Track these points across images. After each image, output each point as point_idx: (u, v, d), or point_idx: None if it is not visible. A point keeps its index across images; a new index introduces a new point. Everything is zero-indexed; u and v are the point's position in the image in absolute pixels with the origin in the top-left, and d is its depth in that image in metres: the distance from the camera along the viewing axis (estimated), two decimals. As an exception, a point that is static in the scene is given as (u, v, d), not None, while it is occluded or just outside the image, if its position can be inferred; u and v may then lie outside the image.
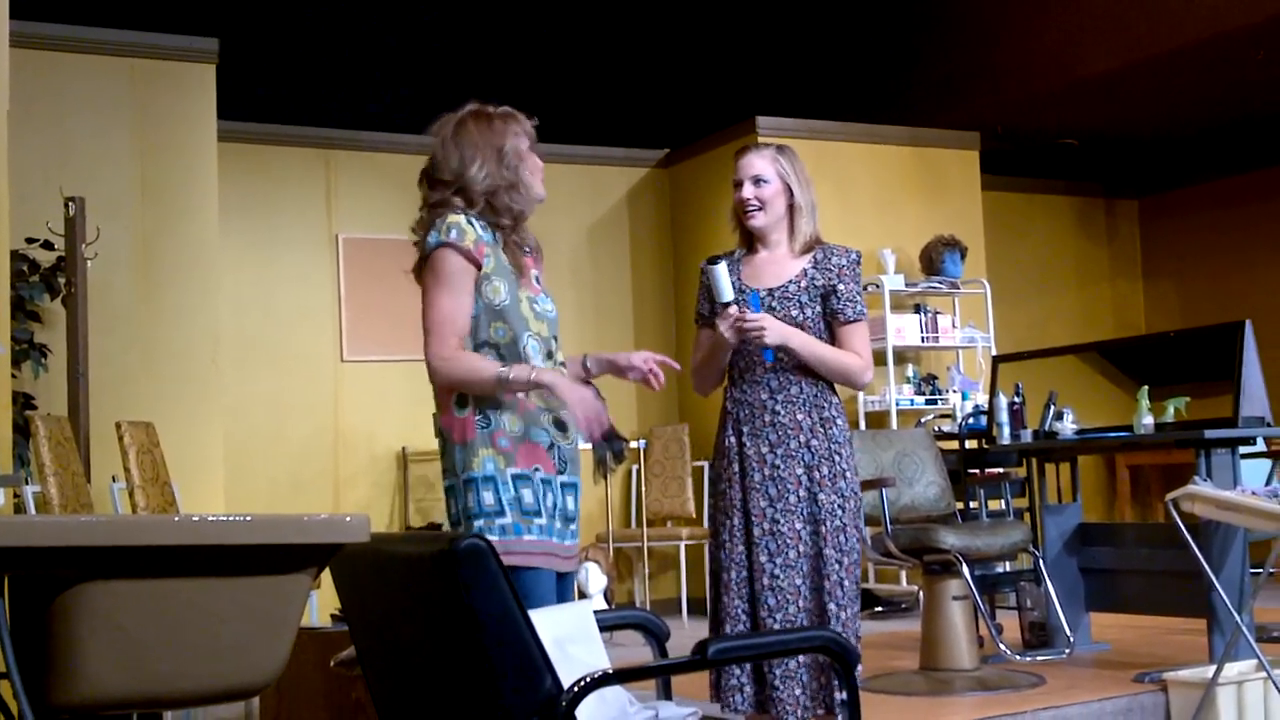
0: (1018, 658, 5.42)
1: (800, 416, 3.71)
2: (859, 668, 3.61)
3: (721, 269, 3.71)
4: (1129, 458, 10.14)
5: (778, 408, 3.72)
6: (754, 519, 3.70)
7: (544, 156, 3.36)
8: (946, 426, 7.67)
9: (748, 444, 3.74)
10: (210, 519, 2.11)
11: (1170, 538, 4.95)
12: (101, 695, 2.06)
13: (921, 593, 5.53)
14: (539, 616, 2.32)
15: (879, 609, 7.89)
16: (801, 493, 3.68)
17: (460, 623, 2.18)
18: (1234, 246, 10.63)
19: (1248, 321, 5.14)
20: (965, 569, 5.11)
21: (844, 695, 2.47)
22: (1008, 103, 8.86)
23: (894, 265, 8.66)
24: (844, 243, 3.88)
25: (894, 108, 9.15)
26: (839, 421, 3.75)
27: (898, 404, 8.42)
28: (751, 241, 3.88)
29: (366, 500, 8.28)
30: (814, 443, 3.70)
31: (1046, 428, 5.71)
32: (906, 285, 8.66)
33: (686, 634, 7.03)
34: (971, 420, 7.07)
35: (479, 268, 3.13)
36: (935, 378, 8.74)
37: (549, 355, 3.21)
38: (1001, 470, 6.81)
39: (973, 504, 6.44)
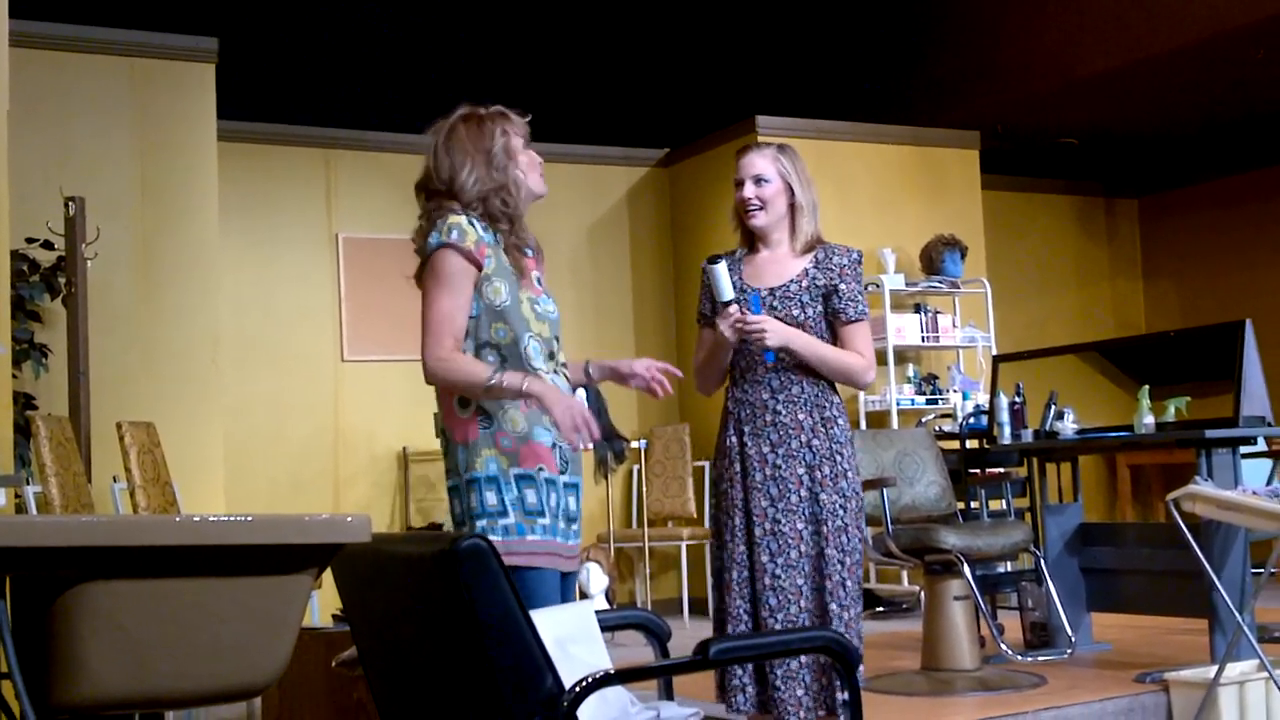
0: (1019, 658, 5.42)
1: (802, 416, 3.71)
2: (861, 668, 3.62)
3: (722, 268, 3.71)
4: (1130, 457, 10.14)
5: (779, 407, 3.72)
6: (755, 519, 3.69)
7: (544, 156, 3.35)
8: (947, 426, 7.67)
9: (749, 444, 3.74)
10: (211, 519, 2.11)
11: (1171, 538, 4.94)
12: (103, 695, 2.06)
13: (923, 593, 5.53)
14: (540, 616, 2.31)
15: (880, 609, 7.89)
16: (803, 492, 3.68)
17: (461, 623, 2.18)
18: (1234, 246, 10.63)
19: (1248, 321, 5.14)
20: (966, 569, 5.10)
21: (845, 695, 2.47)
22: (1008, 102, 8.85)
23: (894, 265, 8.65)
24: (844, 242, 3.88)
25: (894, 107, 9.15)
26: (840, 421, 3.75)
27: (898, 404, 8.42)
28: (753, 241, 3.88)
29: (367, 500, 8.27)
30: (815, 442, 3.70)
31: (1047, 427, 5.70)
32: (907, 285, 8.66)
33: (688, 634, 7.03)
34: (972, 420, 7.07)
35: (480, 268, 3.13)
36: (936, 377, 8.73)
37: (550, 356, 3.21)
38: (1002, 470, 6.80)
39: (974, 504, 6.44)
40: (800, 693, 3.58)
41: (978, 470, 6.68)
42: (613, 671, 2.25)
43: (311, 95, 8.38)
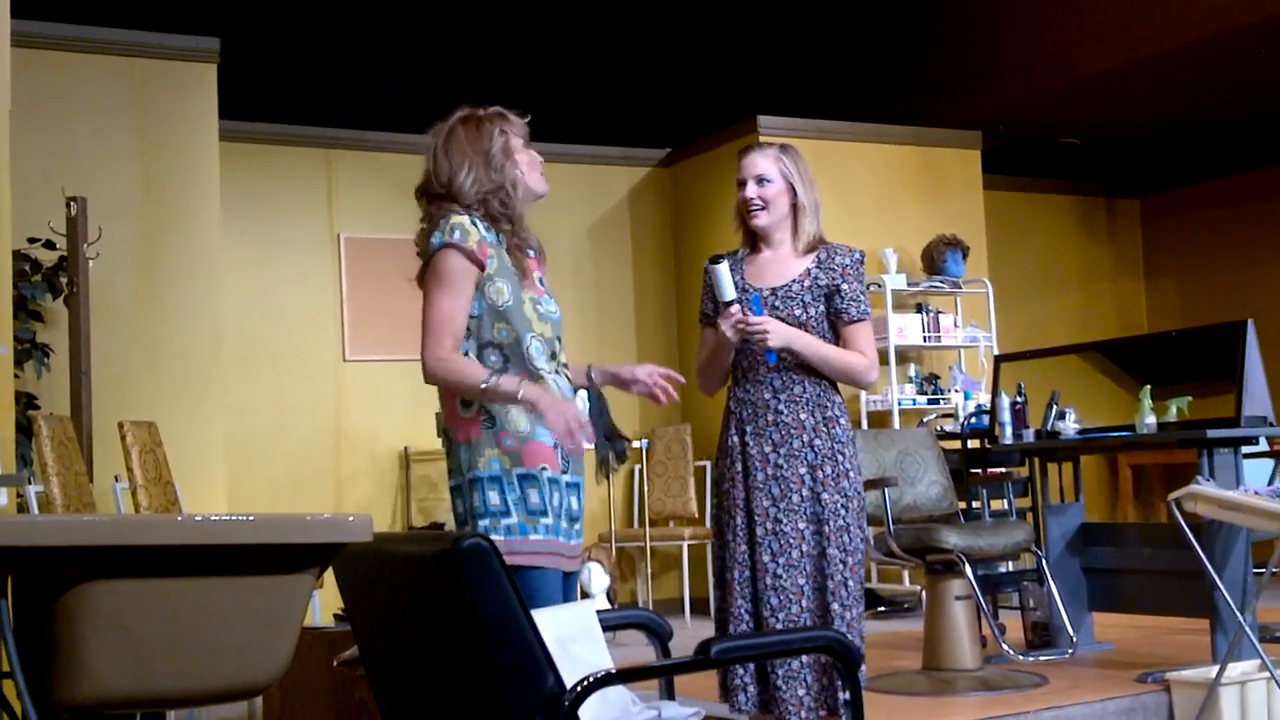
0: (1020, 658, 5.42)
1: (803, 416, 3.71)
2: (863, 668, 3.62)
3: (723, 268, 3.71)
4: (1131, 457, 10.14)
5: (781, 407, 3.72)
6: (757, 518, 3.69)
7: (545, 156, 3.36)
8: (949, 426, 7.67)
9: (751, 443, 3.74)
10: (213, 518, 2.11)
11: (1173, 537, 4.94)
12: (105, 694, 2.07)
13: (924, 593, 5.53)
14: (541, 616, 2.31)
15: (882, 609, 7.89)
16: (805, 492, 3.68)
17: (463, 622, 2.18)
18: (1236, 246, 10.63)
19: (1250, 321, 5.14)
20: (968, 569, 5.10)
21: (847, 695, 2.47)
22: (1009, 102, 8.85)
23: (896, 265, 8.65)
24: (846, 242, 3.88)
25: (895, 107, 9.14)
26: (842, 421, 3.75)
27: (900, 403, 8.42)
28: (755, 241, 3.88)
29: (368, 500, 8.28)
30: (817, 442, 3.70)
31: (1049, 427, 5.70)
32: (908, 285, 8.66)
33: (689, 634, 7.03)
34: (974, 420, 7.07)
35: (482, 269, 3.13)
36: (937, 377, 8.73)
37: (552, 356, 3.21)
38: (1004, 470, 6.80)
39: (975, 504, 6.44)
40: (801, 692, 3.58)
41: (979, 470, 6.68)
42: (614, 671, 2.25)
43: (313, 95, 8.39)
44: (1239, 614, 4.65)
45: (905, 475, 5.59)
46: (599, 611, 2.70)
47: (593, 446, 6.96)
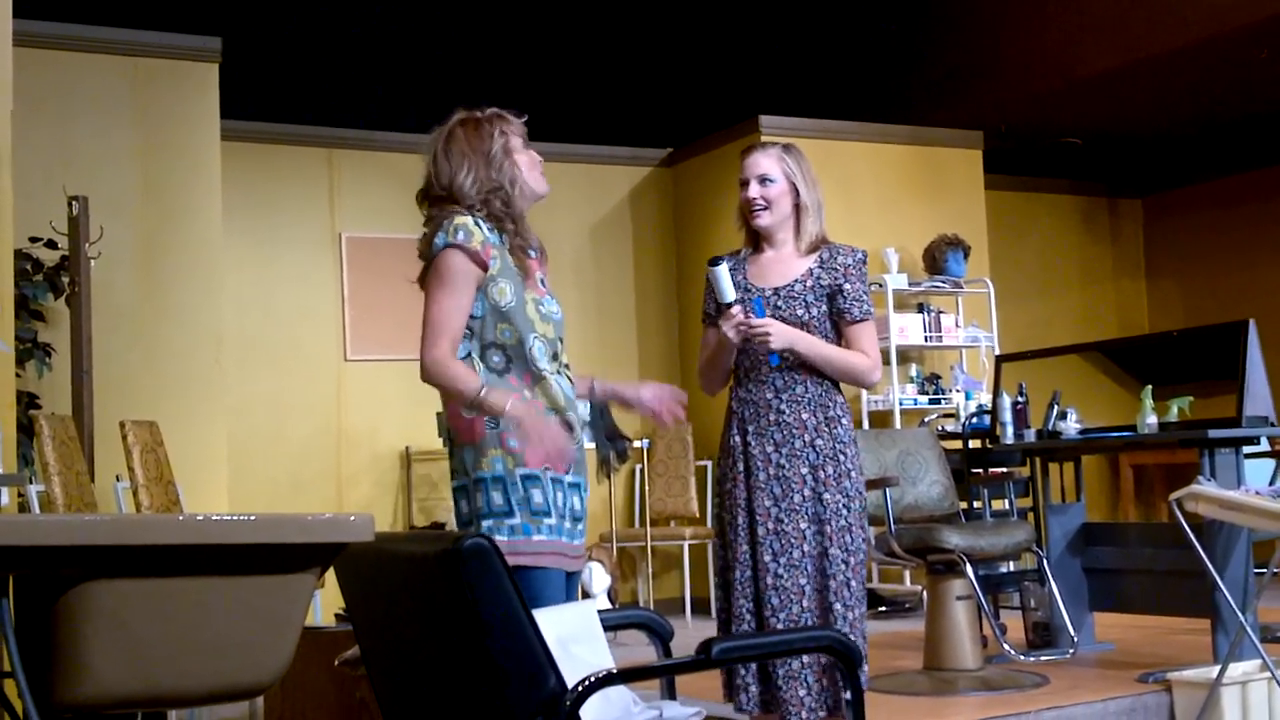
0: (1021, 657, 5.42)
1: (805, 416, 3.71)
2: (864, 667, 3.62)
3: (723, 270, 3.71)
4: (1132, 457, 10.14)
5: (783, 407, 3.72)
6: (759, 518, 3.69)
7: (547, 155, 3.36)
8: (950, 426, 7.66)
9: (753, 443, 3.74)
10: (214, 518, 2.11)
11: (1174, 538, 4.94)
12: (106, 694, 2.07)
13: (925, 592, 5.53)
14: (543, 616, 2.31)
15: (883, 609, 7.89)
16: (806, 492, 3.68)
17: (464, 622, 2.18)
18: (1238, 246, 10.62)
19: (1251, 321, 5.14)
20: (969, 569, 5.10)
21: (848, 695, 2.47)
22: (1010, 102, 8.85)
23: (897, 264, 8.65)
24: (847, 242, 3.88)
25: (897, 107, 9.14)
26: (844, 421, 3.75)
27: (901, 403, 8.41)
28: (758, 241, 3.87)
29: (369, 499, 8.28)
30: (819, 442, 3.70)
31: (1050, 427, 5.70)
32: (910, 284, 8.66)
33: (690, 633, 7.03)
34: (975, 420, 7.07)
35: (485, 269, 3.13)
36: (939, 377, 8.73)
37: (554, 356, 3.21)
38: (1005, 470, 6.80)
39: (976, 504, 6.44)
40: (802, 693, 3.58)
41: (980, 470, 6.68)
42: (615, 671, 2.25)
43: (314, 95, 8.39)
44: (1240, 614, 4.65)
45: (906, 475, 5.59)
46: (600, 611, 2.70)
47: (594, 446, 6.96)
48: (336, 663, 4.09)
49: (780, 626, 3.61)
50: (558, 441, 3.05)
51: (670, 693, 2.77)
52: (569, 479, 3.16)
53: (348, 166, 8.45)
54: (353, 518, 2.19)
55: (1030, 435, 5.77)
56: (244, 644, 2.15)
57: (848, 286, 3.75)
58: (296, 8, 7.29)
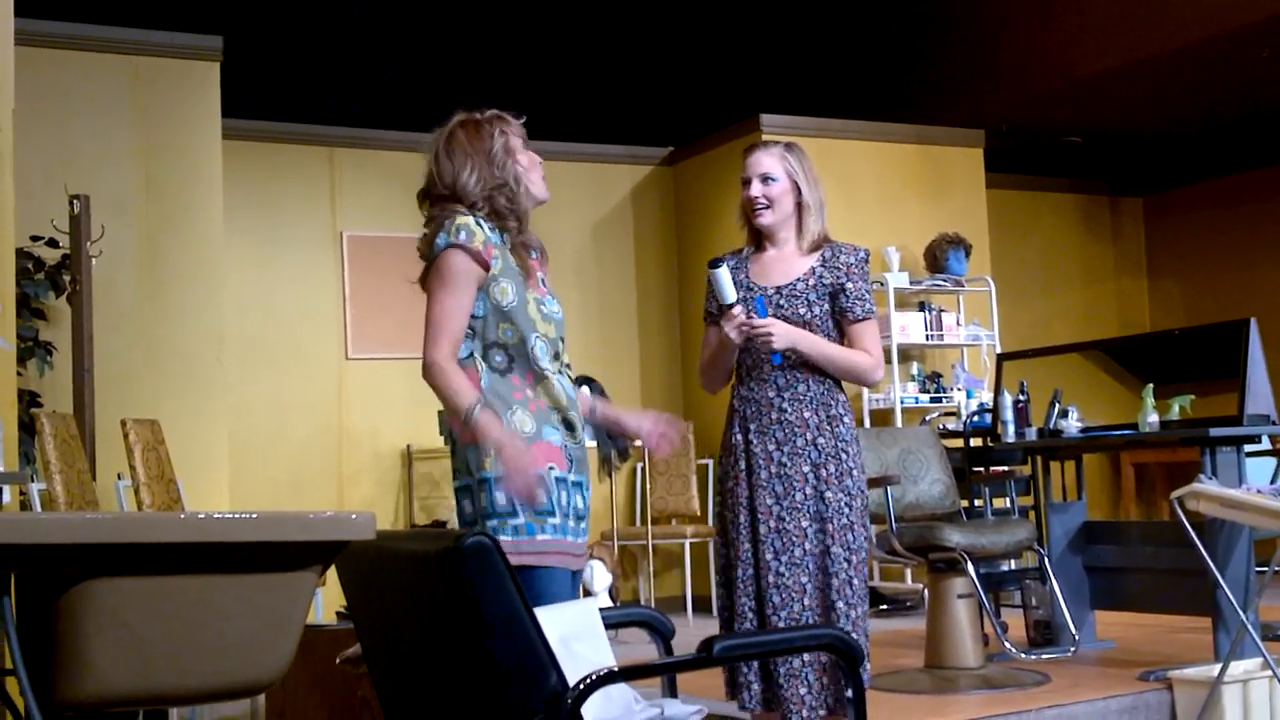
0: (1023, 656, 5.42)
1: (807, 414, 3.71)
2: (866, 666, 3.62)
3: (724, 272, 3.70)
4: (1134, 456, 10.13)
5: (785, 405, 3.72)
6: (760, 516, 3.69)
7: (548, 155, 3.37)
8: (951, 424, 7.66)
9: (754, 441, 3.74)
10: (216, 516, 2.11)
11: (1175, 536, 4.94)
12: (107, 692, 2.07)
13: (926, 591, 5.53)
14: (544, 614, 2.32)
15: (884, 607, 7.89)
16: (808, 490, 3.68)
17: (465, 620, 2.18)
18: (1239, 244, 10.62)
19: (1253, 319, 5.14)
20: (970, 567, 5.10)
21: (850, 693, 2.47)
22: (1012, 100, 8.85)
23: (898, 263, 8.65)
24: (848, 241, 3.88)
25: (898, 105, 9.14)
26: (846, 419, 3.75)
27: (902, 402, 8.41)
28: (760, 239, 3.87)
29: (371, 498, 8.28)
30: (821, 440, 3.70)
31: (1051, 426, 5.70)
32: (911, 283, 8.66)
33: (691, 632, 7.03)
34: (976, 418, 7.07)
35: (487, 269, 3.14)
36: (940, 375, 8.73)
37: (556, 356, 3.22)
38: (1006, 468, 6.80)
39: (977, 502, 6.44)
40: (803, 691, 3.58)
41: (981, 468, 6.68)
42: (617, 669, 2.25)
43: (316, 93, 8.39)
44: (1241, 612, 4.65)
45: (908, 473, 5.59)
46: (601, 609, 2.70)
47: (596, 445, 6.97)
48: (338, 661, 4.10)
49: (781, 625, 3.61)
50: (529, 484, 3.01)
51: (672, 691, 2.77)
52: (572, 477, 3.16)
53: (349, 165, 8.45)
54: (354, 516, 2.19)
55: (1031, 434, 5.77)
56: (245, 642, 2.15)
57: (850, 285, 3.75)
58: (298, 7, 7.30)
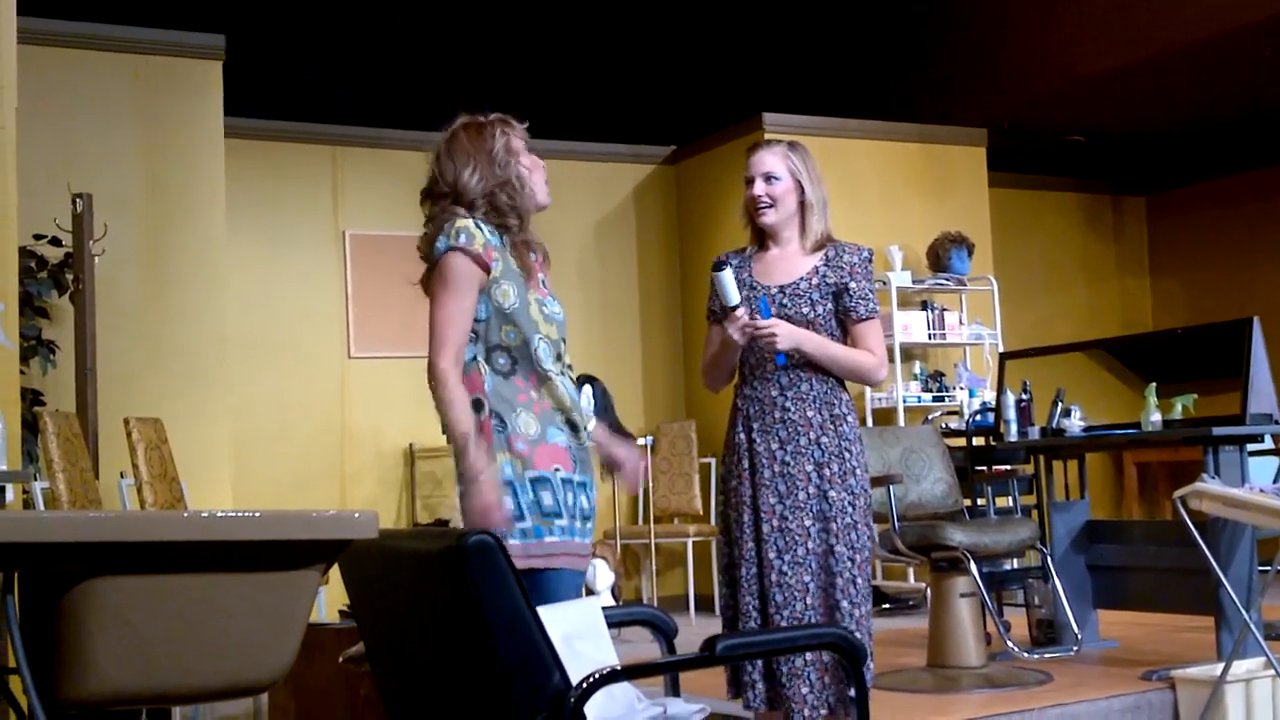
0: (1025, 655, 5.42)
1: (810, 413, 3.70)
2: (870, 665, 3.62)
3: (727, 275, 3.70)
4: (1137, 455, 10.13)
5: (788, 404, 3.72)
6: (763, 515, 3.69)
7: (550, 154, 3.38)
8: (954, 423, 7.66)
9: (758, 440, 3.74)
10: (219, 514, 2.11)
11: (1178, 535, 4.94)
12: (110, 691, 2.07)
13: (929, 590, 5.53)
14: (547, 613, 2.31)
15: (886, 606, 7.89)
16: (811, 489, 3.68)
17: (468, 619, 2.18)
18: (1241, 243, 10.61)
19: (1256, 318, 5.14)
20: (973, 566, 5.10)
21: (853, 692, 2.47)
22: (1014, 100, 8.85)
23: (901, 262, 8.65)
24: (851, 240, 3.87)
25: (901, 105, 9.14)
26: (849, 419, 3.74)
27: (905, 401, 8.41)
28: (763, 238, 3.87)
29: (373, 497, 8.28)
30: (824, 440, 3.69)
31: (1054, 425, 5.70)
32: (913, 282, 8.65)
33: (694, 630, 7.03)
34: (979, 417, 7.06)
35: (488, 272, 3.14)
36: (942, 375, 8.73)
37: (558, 357, 3.22)
38: (1009, 467, 6.80)
39: (980, 501, 6.43)
40: (805, 690, 3.58)
41: (984, 467, 6.67)
42: (619, 668, 2.25)
43: (318, 92, 8.40)
44: (1244, 611, 4.64)
45: (910, 472, 5.59)
46: (604, 608, 2.70)
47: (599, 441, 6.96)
48: (341, 660, 4.10)
49: (784, 623, 3.61)
50: (494, 517, 3.00)
51: (674, 689, 2.77)
52: (577, 478, 3.17)
53: (351, 164, 8.45)
54: (357, 514, 2.19)
55: (1034, 433, 5.77)
56: (248, 641, 2.15)
57: (854, 285, 3.74)
58: (300, 5, 7.30)
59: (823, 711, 3.59)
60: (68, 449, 5.22)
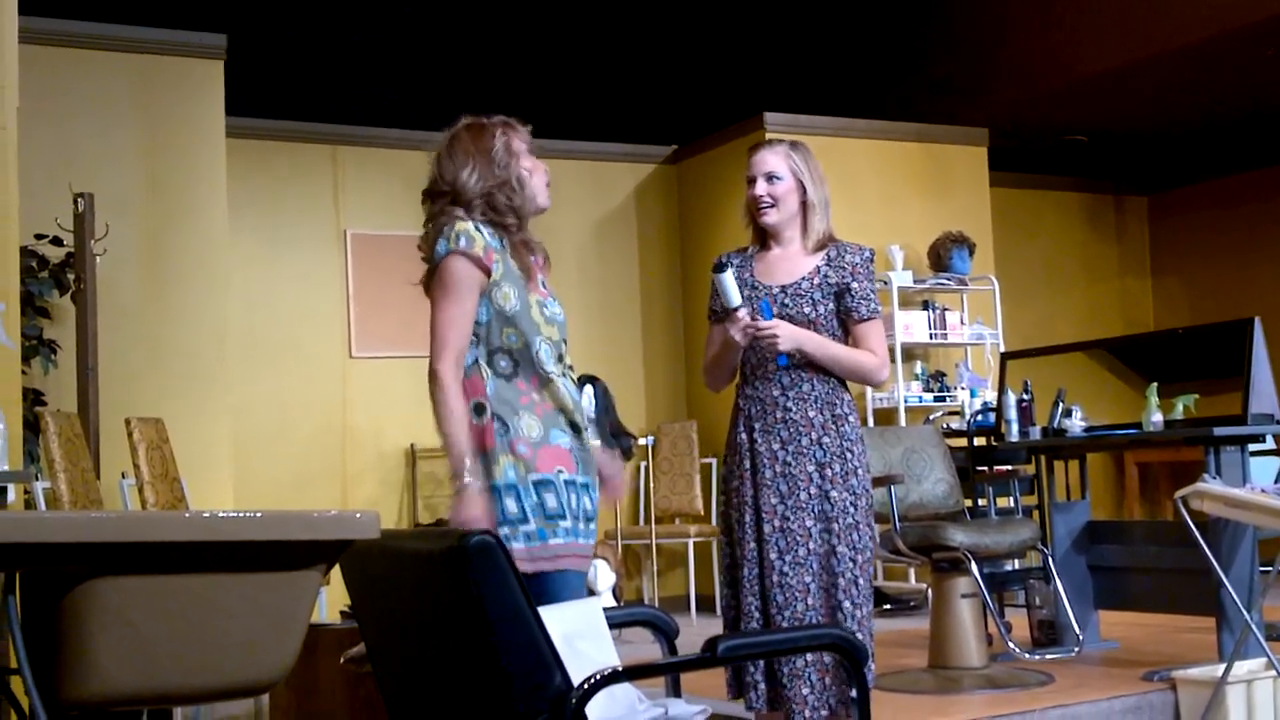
0: (1026, 655, 5.41)
1: (812, 414, 3.70)
2: (871, 665, 3.62)
3: (728, 276, 3.70)
4: (1138, 455, 10.12)
5: (789, 404, 3.72)
6: (765, 515, 3.69)
7: (551, 154, 3.39)
8: (955, 423, 7.66)
9: (759, 440, 3.74)
10: (220, 515, 2.11)
11: (1179, 535, 4.94)
12: (111, 691, 2.07)
13: (930, 590, 5.53)
14: (548, 613, 2.31)
15: (888, 606, 7.89)
16: (812, 490, 3.67)
17: (469, 619, 2.18)
18: (1243, 243, 10.61)
19: (1257, 318, 5.14)
20: (974, 566, 5.10)
21: (854, 693, 2.47)
22: (1015, 99, 8.84)
23: (902, 262, 8.65)
24: (852, 239, 3.87)
25: (902, 104, 9.14)
26: (851, 419, 3.74)
27: (906, 401, 8.41)
28: (765, 238, 3.87)
29: (374, 497, 8.28)
30: (826, 440, 3.69)
31: (1055, 425, 5.70)
32: (915, 282, 8.65)
33: (695, 631, 7.03)
34: (980, 417, 7.06)
35: (488, 274, 3.14)
36: (943, 374, 8.73)
37: (560, 359, 3.22)
38: (1010, 467, 6.79)
39: (981, 501, 6.43)
40: (806, 691, 3.58)
41: (985, 468, 6.67)
42: (620, 668, 2.25)
43: (320, 92, 8.40)
44: (1245, 612, 4.64)
45: (911, 473, 5.59)
46: (605, 609, 2.70)
47: (599, 443, 6.96)
48: (342, 660, 4.10)
49: (785, 624, 3.61)
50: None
51: (675, 690, 2.77)
52: (580, 479, 3.17)
53: (352, 163, 8.45)
54: (358, 514, 2.19)
55: (1035, 433, 5.77)
56: (249, 641, 2.15)
57: (855, 285, 3.74)
58: (301, 5, 7.30)
59: (824, 712, 3.59)
60: (69, 449, 5.22)
